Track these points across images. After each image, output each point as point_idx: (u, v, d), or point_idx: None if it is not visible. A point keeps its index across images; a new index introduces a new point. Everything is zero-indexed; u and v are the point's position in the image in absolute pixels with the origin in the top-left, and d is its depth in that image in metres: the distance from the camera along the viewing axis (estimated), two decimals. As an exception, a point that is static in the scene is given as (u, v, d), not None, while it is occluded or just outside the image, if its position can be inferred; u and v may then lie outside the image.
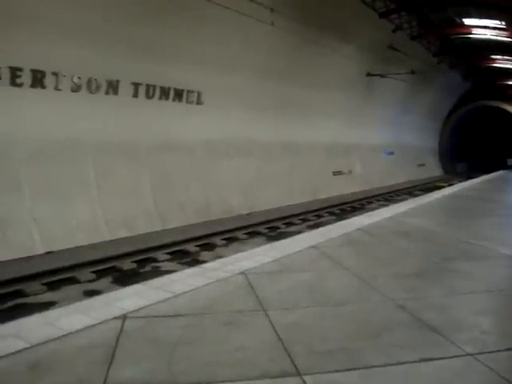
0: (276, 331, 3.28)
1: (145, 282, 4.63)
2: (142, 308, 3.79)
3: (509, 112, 36.54)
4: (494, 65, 27.84)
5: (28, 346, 3.02)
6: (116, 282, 7.89)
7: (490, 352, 2.96)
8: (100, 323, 3.46)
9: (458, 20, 20.05)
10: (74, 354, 2.94)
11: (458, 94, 35.86)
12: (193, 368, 2.78)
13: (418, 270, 4.93)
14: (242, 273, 4.78)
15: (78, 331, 3.29)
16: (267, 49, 14.94)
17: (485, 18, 18.45)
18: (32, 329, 3.33)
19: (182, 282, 4.54)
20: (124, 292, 4.44)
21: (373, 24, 17.97)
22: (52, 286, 7.52)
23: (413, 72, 22.27)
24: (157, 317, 3.62)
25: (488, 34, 20.19)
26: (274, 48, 15.21)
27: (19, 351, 2.94)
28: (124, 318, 3.57)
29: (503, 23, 18.28)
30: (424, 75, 24.33)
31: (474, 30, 20.51)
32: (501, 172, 27.92)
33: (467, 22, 19.96)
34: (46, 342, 3.08)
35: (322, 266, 5.13)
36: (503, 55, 24.53)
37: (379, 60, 21.07)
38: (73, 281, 7.81)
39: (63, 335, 3.20)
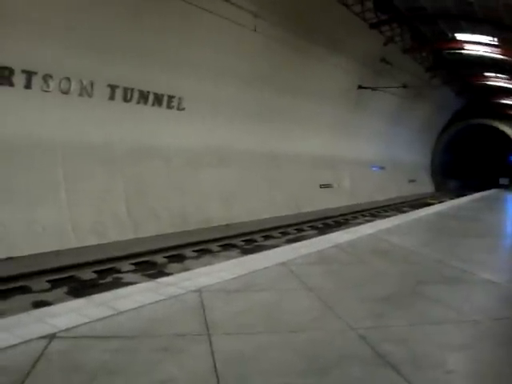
0: (214, 361, 2.90)
1: (89, 297, 4.26)
2: (75, 326, 3.42)
3: (502, 131, 36.52)
4: (488, 82, 27.69)
5: None
6: (70, 293, 7.43)
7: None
8: (22, 343, 3.10)
9: (449, 34, 19.85)
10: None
11: (452, 111, 35.74)
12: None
13: (389, 293, 4.57)
14: (198, 290, 4.41)
15: (-7, 352, 2.93)
16: (250, 55, 14.54)
17: (477, 34, 18.22)
18: None
19: (129, 297, 4.17)
20: (65, 306, 4.07)
21: (363, 35, 17.70)
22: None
23: (405, 86, 22.07)
24: (88, 337, 3.26)
25: (481, 51, 19.99)
26: (258, 55, 14.81)
27: None
28: (51, 337, 3.20)
29: (495, 39, 18.05)
30: (416, 90, 24.13)
31: (467, 46, 20.30)
32: (492, 190, 27.80)
33: (459, 36, 19.76)
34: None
35: (285, 286, 4.76)
36: (496, 73, 24.38)
37: (370, 72, 20.81)
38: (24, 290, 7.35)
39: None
